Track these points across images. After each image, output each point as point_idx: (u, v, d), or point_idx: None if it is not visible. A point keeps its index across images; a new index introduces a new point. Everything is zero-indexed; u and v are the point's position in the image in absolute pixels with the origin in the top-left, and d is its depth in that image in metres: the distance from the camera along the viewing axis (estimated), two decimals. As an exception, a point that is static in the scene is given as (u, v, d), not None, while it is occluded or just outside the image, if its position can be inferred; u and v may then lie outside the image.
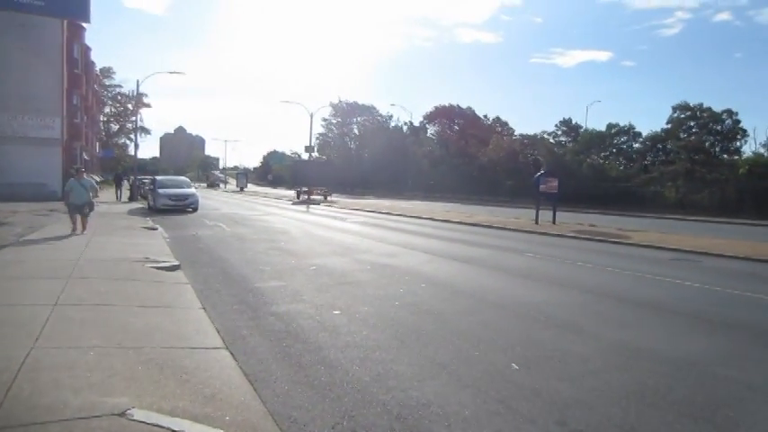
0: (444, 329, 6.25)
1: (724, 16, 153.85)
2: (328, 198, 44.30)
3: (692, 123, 48.21)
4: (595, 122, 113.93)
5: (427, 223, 22.60)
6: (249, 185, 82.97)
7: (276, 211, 29.59)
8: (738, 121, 46.34)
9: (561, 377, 4.77)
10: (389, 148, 69.21)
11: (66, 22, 34.20)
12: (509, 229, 19.96)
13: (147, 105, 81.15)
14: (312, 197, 44.26)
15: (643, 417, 4.03)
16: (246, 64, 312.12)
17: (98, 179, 50.05)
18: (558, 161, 47.93)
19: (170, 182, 28.38)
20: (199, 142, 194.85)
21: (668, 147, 49.02)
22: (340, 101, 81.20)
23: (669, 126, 49.57)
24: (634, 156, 52.97)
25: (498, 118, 79.17)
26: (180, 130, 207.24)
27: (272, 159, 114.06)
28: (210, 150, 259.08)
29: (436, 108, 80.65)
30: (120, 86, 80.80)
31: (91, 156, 60.09)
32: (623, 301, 8.13)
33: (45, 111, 32.29)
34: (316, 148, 72.96)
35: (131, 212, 23.69)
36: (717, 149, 47.00)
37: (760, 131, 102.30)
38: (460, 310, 7.22)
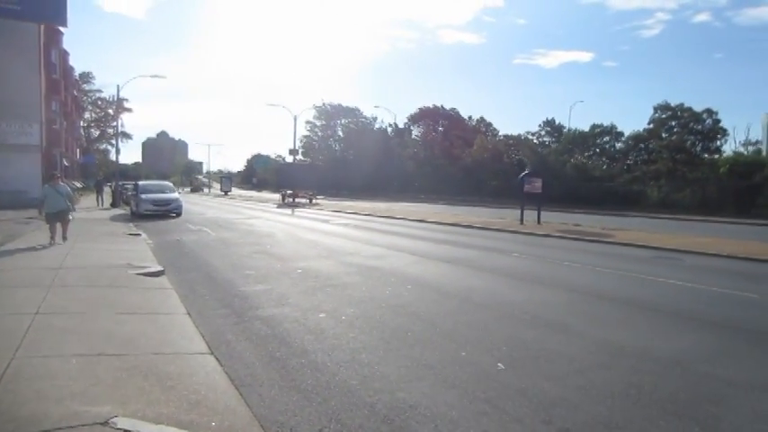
0: (431, 330, 6.26)
1: (703, 17, 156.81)
2: (314, 201, 44.12)
3: (673, 123, 48.81)
4: (578, 122, 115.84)
5: (413, 225, 22.62)
6: (234, 189, 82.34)
7: (261, 214, 29.42)
8: (718, 121, 47.11)
9: (547, 376, 4.81)
10: (374, 150, 69.16)
11: (42, 26, 33.69)
12: (494, 230, 20.06)
13: (129, 110, 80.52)
14: (297, 200, 44.10)
15: (628, 414, 4.07)
16: (229, 67, 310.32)
17: (78, 185, 49.37)
18: (542, 161, 48.29)
19: (153, 187, 28.09)
20: (182, 147, 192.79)
21: (650, 146, 49.61)
22: (324, 103, 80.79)
23: (651, 126, 50.16)
24: (617, 155, 53.53)
25: (482, 119, 79.68)
26: (162, 134, 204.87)
27: (257, 163, 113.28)
28: (194, 155, 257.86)
29: (420, 109, 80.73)
30: (100, 91, 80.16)
31: (71, 162, 59.24)
32: (608, 300, 8.22)
33: (23, 117, 31.68)
34: (300, 151, 72.48)
35: (114, 218, 23.39)
36: (698, 149, 47.65)
37: (739, 130, 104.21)
38: (447, 311, 7.24)
